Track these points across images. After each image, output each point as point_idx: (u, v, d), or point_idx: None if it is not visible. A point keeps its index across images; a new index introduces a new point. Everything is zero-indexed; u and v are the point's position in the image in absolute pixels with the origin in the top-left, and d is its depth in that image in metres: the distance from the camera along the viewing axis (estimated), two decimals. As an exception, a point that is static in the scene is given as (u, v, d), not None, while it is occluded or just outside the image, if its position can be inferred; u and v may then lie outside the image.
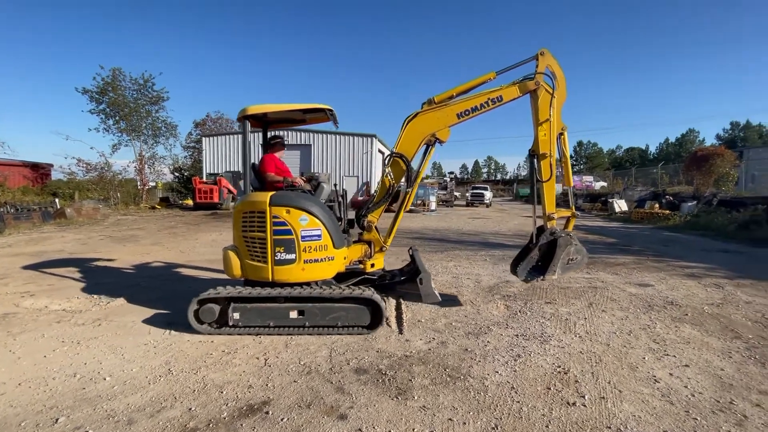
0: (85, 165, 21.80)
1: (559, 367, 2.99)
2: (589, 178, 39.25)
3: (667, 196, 17.83)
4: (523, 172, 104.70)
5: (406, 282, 4.44)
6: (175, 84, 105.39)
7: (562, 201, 4.51)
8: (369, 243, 4.17)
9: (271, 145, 4.33)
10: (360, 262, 4.18)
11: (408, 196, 4.13)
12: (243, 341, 3.48)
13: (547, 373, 2.89)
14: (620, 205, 18.99)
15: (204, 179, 21.44)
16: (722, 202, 13.94)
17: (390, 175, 4.01)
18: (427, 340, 3.51)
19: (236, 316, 3.53)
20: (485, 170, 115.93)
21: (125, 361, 3.11)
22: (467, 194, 29.53)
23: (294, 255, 3.60)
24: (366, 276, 4.18)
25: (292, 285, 3.69)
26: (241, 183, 4.07)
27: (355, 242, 4.25)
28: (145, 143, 25.20)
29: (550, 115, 3.98)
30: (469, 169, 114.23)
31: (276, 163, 4.22)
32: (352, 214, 4.42)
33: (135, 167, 24.76)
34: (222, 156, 26.49)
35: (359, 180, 24.77)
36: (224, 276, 6.06)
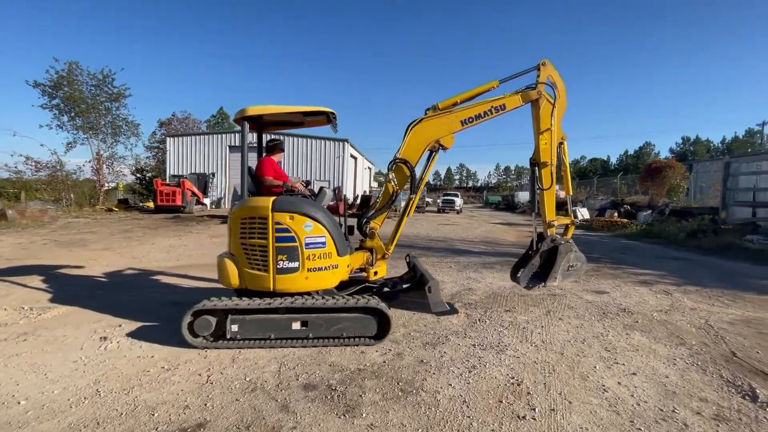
0: (34, 163, 20.34)
1: (513, 378, 2.97)
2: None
3: (625, 206, 18.72)
4: (494, 180, 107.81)
5: (410, 290, 4.39)
6: (141, 81, 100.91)
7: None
8: (371, 250, 4.06)
9: (269, 148, 4.22)
10: (361, 270, 4.08)
11: (411, 202, 4.10)
12: (187, 355, 3.25)
13: (500, 385, 2.85)
14: (582, 213, 19.74)
15: (167, 181, 20.49)
16: (673, 212, 14.75)
17: (394, 181, 3.94)
18: (382, 352, 3.41)
19: (234, 328, 3.33)
20: (457, 177, 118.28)
21: (47, 381, 2.81)
22: (438, 201, 29.87)
23: (297, 263, 3.46)
24: (367, 284, 4.08)
25: (293, 294, 3.53)
26: (240, 187, 3.87)
27: (357, 249, 4.12)
28: (104, 142, 23.91)
29: (551, 125, 4.07)
30: (442, 176, 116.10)
31: (274, 167, 4.09)
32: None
33: (92, 167, 23.43)
34: (187, 157, 25.49)
35: (330, 185, 24.48)
36: (184, 283, 5.79)
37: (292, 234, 3.45)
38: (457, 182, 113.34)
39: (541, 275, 4.26)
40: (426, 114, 3.94)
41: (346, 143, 24.62)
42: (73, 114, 22.28)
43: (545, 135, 4.10)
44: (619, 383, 2.92)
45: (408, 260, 5.00)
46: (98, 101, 22.83)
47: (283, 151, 4.40)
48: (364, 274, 4.07)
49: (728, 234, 11.09)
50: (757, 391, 2.81)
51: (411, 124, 3.91)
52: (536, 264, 4.28)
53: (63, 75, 21.47)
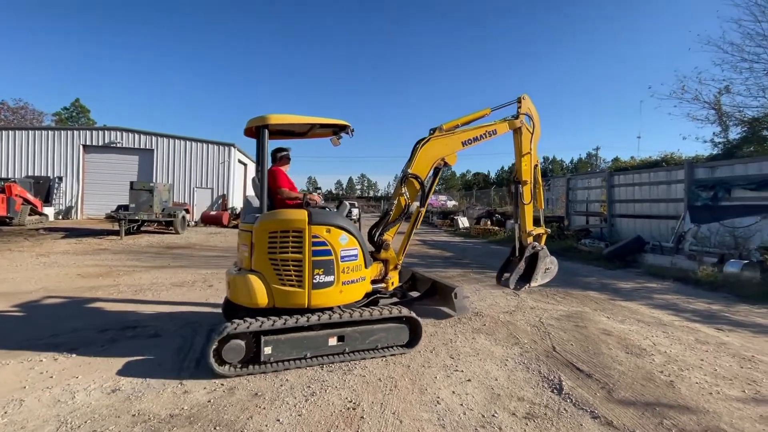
0: None
1: (351, 401, 2.79)
2: (444, 197, 44.30)
3: (497, 215, 21.12)
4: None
5: (423, 298, 4.81)
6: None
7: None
8: (384, 261, 4.15)
9: (278, 159, 4.13)
10: (375, 281, 4.07)
11: (420, 214, 4.34)
12: None
13: (334, 412, 2.64)
14: (463, 222, 21.65)
15: (-15, 185, 16.11)
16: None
17: (406, 195, 4.12)
18: (211, 389, 2.93)
19: (268, 350, 3.15)
20: (359, 187, 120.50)
21: None
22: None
23: (333, 277, 3.43)
24: (378, 295, 4.10)
25: (323, 310, 3.44)
26: (260, 199, 3.57)
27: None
28: None
29: (530, 149, 4.73)
30: (344, 186, 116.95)
31: (288, 179, 4.03)
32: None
33: None
34: (22, 157, 20.62)
35: (214, 193, 22.34)
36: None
37: (329, 247, 3.42)
38: (358, 192, 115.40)
39: (525, 278, 4.85)
40: (432, 134, 4.24)
41: (233, 148, 22.77)
42: None
43: (525, 158, 4.74)
44: (453, 392, 2.97)
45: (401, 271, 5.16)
46: None
47: (290, 161, 4.25)
48: (382, 285, 4.11)
49: (569, 239, 13.21)
50: (563, 383, 3.14)
51: (420, 141, 4.17)
52: (522, 268, 4.85)
53: None
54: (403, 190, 4.14)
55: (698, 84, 13.52)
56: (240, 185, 26.00)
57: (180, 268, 8.14)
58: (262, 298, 3.30)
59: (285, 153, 4.18)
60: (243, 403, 2.74)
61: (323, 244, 3.40)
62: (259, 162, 3.59)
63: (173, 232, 15.24)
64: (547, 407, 2.77)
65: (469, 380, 3.17)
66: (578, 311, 5.37)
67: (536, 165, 4.94)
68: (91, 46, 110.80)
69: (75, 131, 21.52)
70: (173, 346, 3.76)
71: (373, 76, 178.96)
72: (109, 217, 14.03)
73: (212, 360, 3.01)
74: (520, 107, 4.71)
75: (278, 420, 2.53)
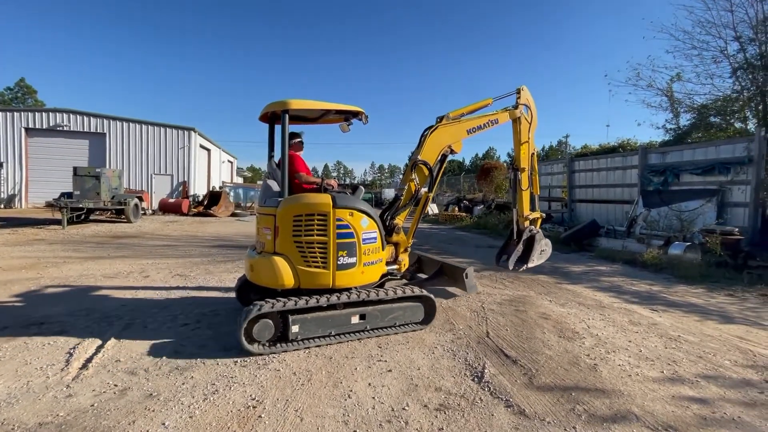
0: None
1: (255, 399, 2.58)
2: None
3: (466, 201, 21.26)
4: (369, 178, 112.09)
5: (432, 278, 5.05)
6: None
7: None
8: (395, 245, 4.29)
9: (290, 145, 3.94)
10: (387, 263, 4.18)
11: (428, 199, 4.46)
12: None
13: (230, 412, 2.42)
14: (432, 208, 21.65)
15: None
16: (498, 206, 17.25)
17: (416, 180, 4.22)
18: (101, 390, 2.65)
19: (295, 329, 3.29)
20: (335, 174, 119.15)
21: None
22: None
23: (355, 258, 3.57)
24: (389, 277, 4.23)
25: (342, 290, 3.57)
26: (281, 184, 3.63)
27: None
28: None
29: (528, 138, 4.95)
30: (320, 172, 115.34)
31: (305, 164, 4.08)
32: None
33: None
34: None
35: (174, 179, 21.32)
36: None
37: (352, 230, 3.54)
38: (334, 179, 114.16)
39: (522, 259, 5.12)
40: (440, 122, 4.33)
41: (193, 132, 21.68)
42: None
43: (524, 146, 4.95)
44: (369, 384, 2.81)
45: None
46: None
47: (303, 146, 4.24)
48: (395, 267, 4.27)
49: (531, 224, 13.39)
50: (486, 370, 3.04)
51: (428, 129, 4.28)
52: (520, 250, 5.12)
53: None
54: (413, 176, 4.23)
55: (652, 71, 13.86)
56: (203, 171, 24.96)
57: (120, 258, 7.63)
58: (288, 280, 3.39)
59: (299, 138, 4.17)
60: (131, 405, 2.48)
61: (347, 227, 3.51)
62: (280, 146, 3.59)
63: (125, 220, 14.42)
64: (463, 397, 2.65)
65: (389, 371, 3.02)
66: (523, 295, 5.35)
67: (533, 153, 5.13)
68: (43, 14, 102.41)
69: (15, 113, 19.86)
70: (76, 343, 3.43)
71: (354, 64, 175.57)
72: (50, 205, 13.07)
73: (242, 338, 3.09)
74: (519, 98, 4.89)
75: (164, 424, 2.28)
